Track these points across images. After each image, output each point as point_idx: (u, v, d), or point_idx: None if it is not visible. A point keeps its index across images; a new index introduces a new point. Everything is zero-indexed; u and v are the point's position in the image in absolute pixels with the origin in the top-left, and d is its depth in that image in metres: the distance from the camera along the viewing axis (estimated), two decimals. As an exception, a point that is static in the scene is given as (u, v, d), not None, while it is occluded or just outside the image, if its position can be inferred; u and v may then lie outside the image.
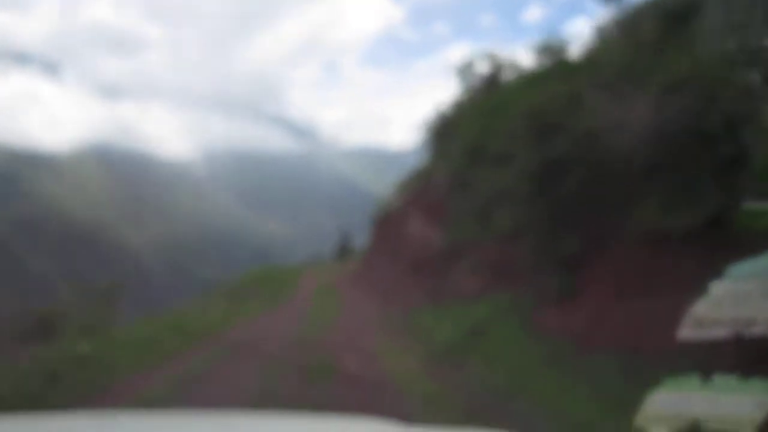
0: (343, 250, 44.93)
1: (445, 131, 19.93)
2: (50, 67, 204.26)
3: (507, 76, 20.14)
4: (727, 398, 3.83)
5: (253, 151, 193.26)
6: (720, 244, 6.65)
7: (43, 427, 2.10)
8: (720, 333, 4.57)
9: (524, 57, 19.62)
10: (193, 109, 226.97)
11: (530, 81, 12.38)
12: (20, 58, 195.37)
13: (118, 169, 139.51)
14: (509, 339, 8.69)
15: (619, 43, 10.93)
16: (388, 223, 23.76)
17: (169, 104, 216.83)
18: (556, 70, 13.05)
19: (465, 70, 21.52)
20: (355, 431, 2.34)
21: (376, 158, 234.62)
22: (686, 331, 4.74)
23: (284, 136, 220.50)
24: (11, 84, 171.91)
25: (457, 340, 9.03)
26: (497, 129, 11.34)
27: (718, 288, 4.84)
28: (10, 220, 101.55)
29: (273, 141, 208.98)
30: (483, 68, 21.33)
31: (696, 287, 4.80)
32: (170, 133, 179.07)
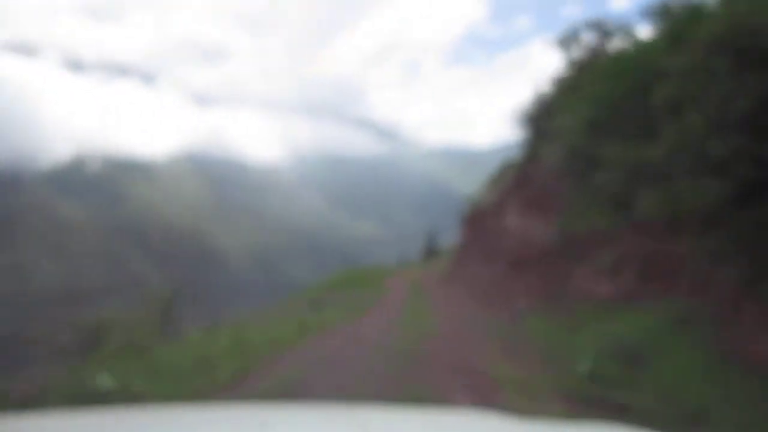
0: (430, 250, 43.98)
1: (547, 113, 17.34)
2: (147, 78, 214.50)
3: (616, 45, 17.25)
4: None
5: (338, 153, 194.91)
6: None
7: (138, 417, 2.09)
8: None
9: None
10: (281, 114, 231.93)
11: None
12: (120, 70, 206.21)
13: (211, 175, 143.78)
14: (689, 373, 5.71)
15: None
16: (480, 220, 21.63)
17: (257, 110, 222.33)
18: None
19: (569, 40, 18.76)
20: (472, 424, 2.17)
21: (460, 157, 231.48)
22: None
23: (368, 138, 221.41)
24: (112, 95, 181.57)
25: (606, 370, 6.14)
26: (633, 92, 8.68)
27: None
28: (111, 224, 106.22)
29: (358, 143, 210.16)
30: (590, 38, 18.53)
31: None
32: (259, 139, 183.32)
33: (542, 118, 17.83)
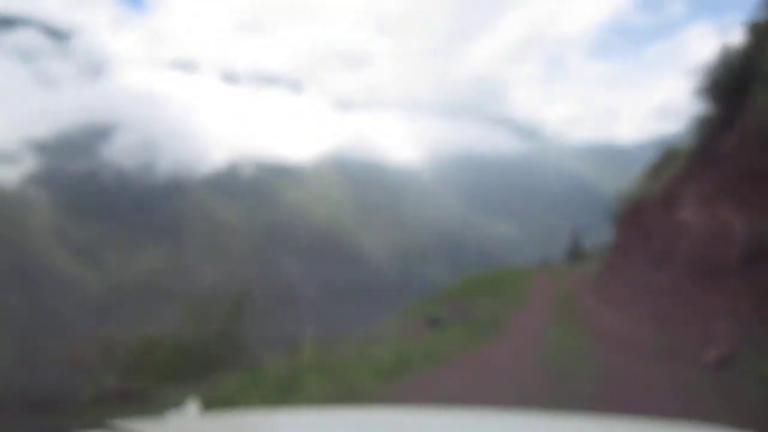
0: (575, 252, 40.66)
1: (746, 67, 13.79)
2: (295, 86, 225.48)
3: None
4: None
5: (478, 153, 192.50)
6: None
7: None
8: None
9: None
10: (420, 115, 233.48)
11: None
12: (271, 80, 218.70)
13: (353, 177, 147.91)
14: None
15: None
16: (639, 217, 16.94)
17: (397, 113, 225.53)
18: None
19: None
20: None
21: (605, 153, 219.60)
22: None
23: (509, 137, 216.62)
24: (264, 104, 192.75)
25: None
26: None
27: None
28: (262, 226, 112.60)
29: (498, 142, 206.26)
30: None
31: None
32: (399, 141, 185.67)
33: (736, 78, 14.20)
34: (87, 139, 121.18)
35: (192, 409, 2.43)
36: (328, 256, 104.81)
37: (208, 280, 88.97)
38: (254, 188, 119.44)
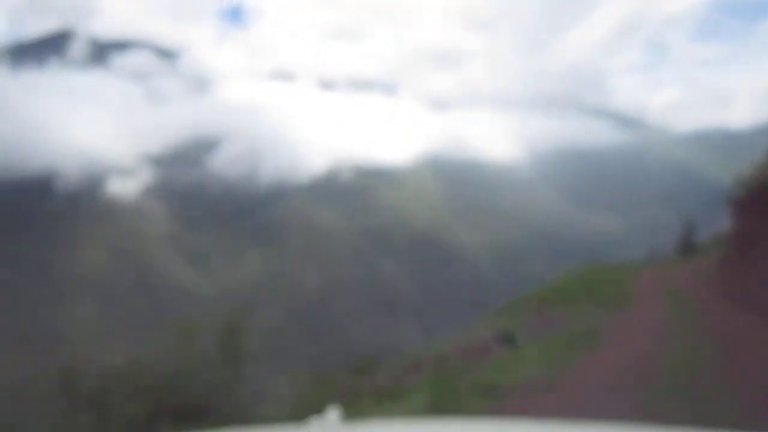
0: (688, 246, 36.77)
1: None
2: (389, 89, 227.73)
3: None
4: None
5: (577, 146, 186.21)
6: None
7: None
8: None
9: None
10: (515, 111, 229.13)
11: None
12: (365, 84, 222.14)
13: (451, 176, 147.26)
14: None
15: None
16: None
17: (492, 109, 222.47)
18: None
19: None
20: None
21: (715, 140, 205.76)
22: None
23: (609, 127, 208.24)
24: (358, 108, 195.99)
25: None
26: None
27: None
28: (361, 229, 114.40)
29: (597, 133, 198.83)
30: None
31: None
32: (496, 137, 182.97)
33: None
34: (195, 152, 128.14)
35: (333, 417, 2.46)
36: (428, 257, 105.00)
37: (311, 283, 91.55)
38: (352, 192, 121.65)
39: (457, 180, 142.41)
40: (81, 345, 65.32)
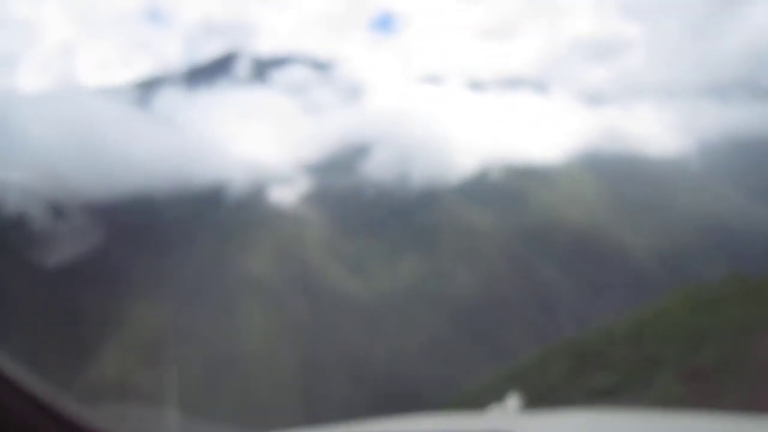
0: None
1: None
2: (540, 86, 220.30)
3: None
4: None
5: (754, 135, 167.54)
6: None
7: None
8: None
9: None
10: (681, 101, 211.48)
11: None
12: (515, 82, 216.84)
13: (610, 173, 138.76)
14: None
15: None
16: None
17: (654, 101, 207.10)
18: None
19: None
20: None
21: None
22: None
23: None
24: (508, 107, 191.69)
25: None
26: None
27: None
28: (515, 230, 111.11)
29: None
30: None
31: None
32: (659, 130, 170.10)
33: None
34: (349, 158, 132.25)
35: (513, 404, 2.52)
36: (587, 259, 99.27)
37: (466, 285, 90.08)
38: (505, 192, 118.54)
39: (616, 177, 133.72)
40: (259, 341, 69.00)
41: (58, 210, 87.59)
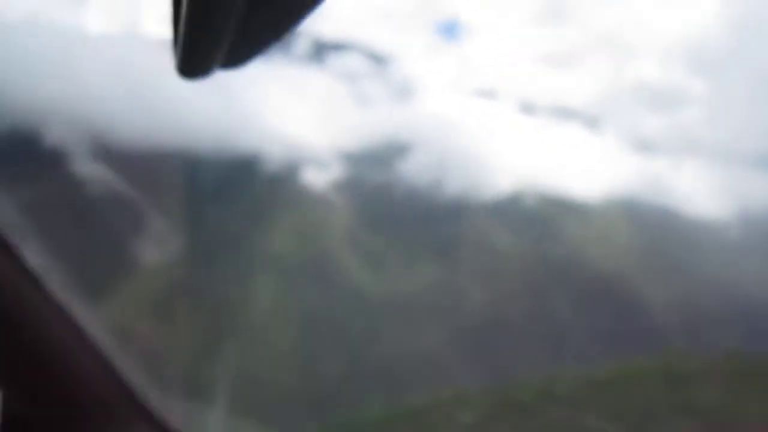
0: None
1: None
2: (591, 122, 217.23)
3: None
4: None
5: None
6: None
7: None
8: None
9: None
10: (732, 165, 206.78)
11: None
12: (567, 114, 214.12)
13: (645, 223, 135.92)
14: None
15: None
16: None
17: (705, 161, 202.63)
18: None
19: None
20: None
21: None
22: None
23: None
24: (556, 136, 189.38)
25: None
26: None
27: None
28: (539, 259, 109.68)
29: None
30: None
31: None
32: (703, 191, 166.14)
33: None
34: (387, 154, 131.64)
35: None
36: (606, 304, 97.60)
37: (478, 303, 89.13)
38: (535, 219, 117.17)
39: (651, 228, 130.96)
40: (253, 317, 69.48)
41: (98, 150, 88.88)
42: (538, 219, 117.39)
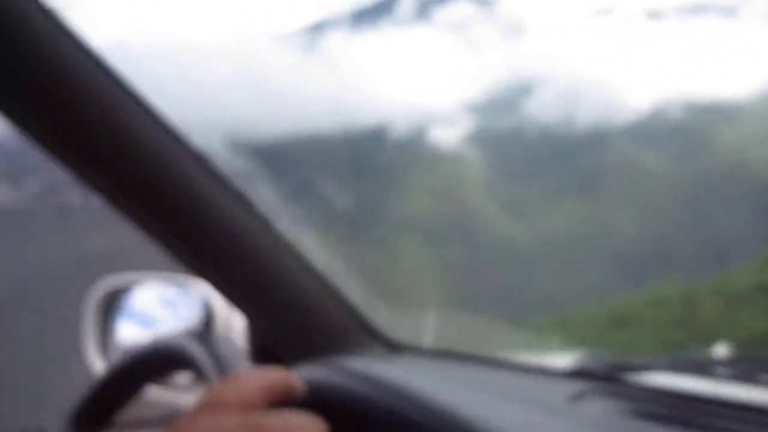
0: None
1: None
2: (729, 12, 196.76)
3: None
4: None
5: None
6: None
7: None
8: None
9: None
10: None
11: None
12: (698, 8, 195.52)
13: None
14: None
15: None
16: None
17: None
18: None
19: None
20: None
21: None
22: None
23: None
24: (689, 37, 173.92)
25: None
26: None
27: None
28: (693, 173, 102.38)
29: None
30: None
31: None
32: None
33: None
34: (512, 97, 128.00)
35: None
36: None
37: (633, 232, 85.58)
38: (682, 132, 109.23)
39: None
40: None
41: (235, 148, 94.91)
42: (686, 130, 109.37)
